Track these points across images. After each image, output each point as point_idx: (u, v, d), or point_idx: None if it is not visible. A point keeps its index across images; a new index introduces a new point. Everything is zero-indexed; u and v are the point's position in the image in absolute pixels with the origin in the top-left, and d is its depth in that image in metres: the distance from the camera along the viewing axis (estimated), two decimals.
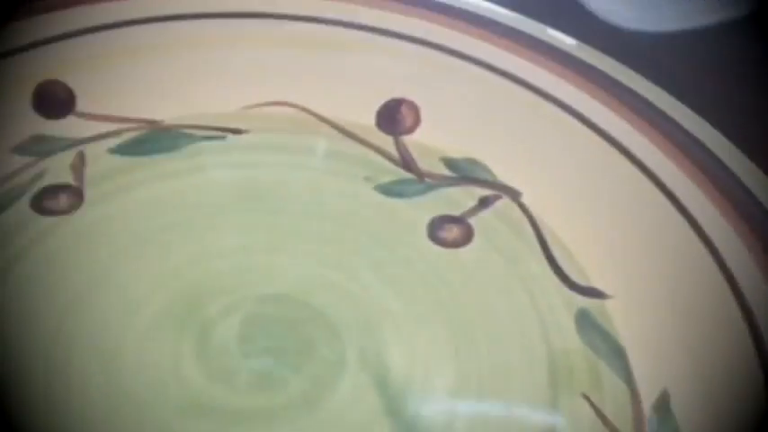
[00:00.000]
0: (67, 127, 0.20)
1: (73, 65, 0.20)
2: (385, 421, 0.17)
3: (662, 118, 0.22)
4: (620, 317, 0.19)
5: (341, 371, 0.17)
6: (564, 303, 0.19)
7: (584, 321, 0.19)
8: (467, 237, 0.20)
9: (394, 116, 0.22)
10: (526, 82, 0.22)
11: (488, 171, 0.22)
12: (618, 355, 0.19)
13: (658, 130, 0.21)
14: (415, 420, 0.17)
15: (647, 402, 0.18)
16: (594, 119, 0.22)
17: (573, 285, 0.20)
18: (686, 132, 0.21)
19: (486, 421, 0.17)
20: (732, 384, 0.18)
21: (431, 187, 0.21)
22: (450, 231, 0.20)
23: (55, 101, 0.20)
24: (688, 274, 0.20)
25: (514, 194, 0.21)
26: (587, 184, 0.21)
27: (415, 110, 0.22)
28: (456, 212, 0.21)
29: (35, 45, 0.20)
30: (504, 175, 0.22)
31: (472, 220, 0.21)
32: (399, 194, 0.21)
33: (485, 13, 0.23)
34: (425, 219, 0.20)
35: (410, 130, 0.22)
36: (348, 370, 0.17)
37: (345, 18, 0.22)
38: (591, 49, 0.23)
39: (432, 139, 0.22)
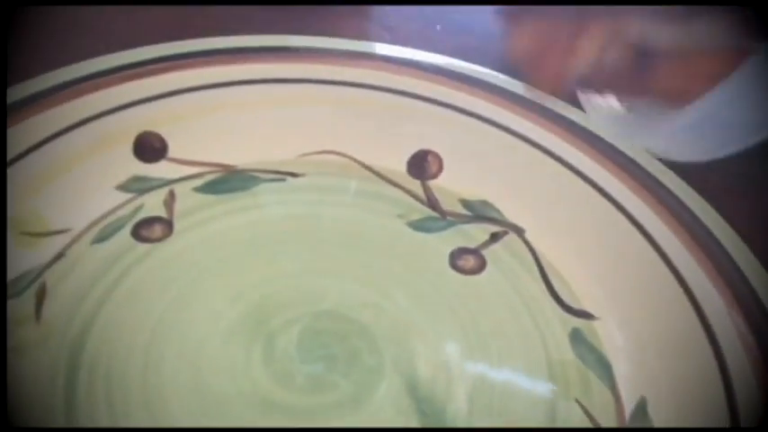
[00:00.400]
0: (161, 169, 0.21)
1: (165, 119, 0.22)
2: (415, 416, 0.18)
3: (642, 172, 0.23)
4: (605, 335, 0.20)
5: (380, 376, 0.18)
6: (560, 322, 0.20)
7: (577, 338, 0.20)
8: (481, 266, 0.21)
9: (422, 164, 0.23)
10: (530, 139, 0.23)
11: (498, 211, 0.23)
12: (604, 367, 0.20)
13: (639, 183, 0.22)
14: (439, 416, 0.18)
15: (628, 407, 0.19)
16: (584, 170, 0.23)
17: (567, 308, 0.21)
18: (661, 184, 0.22)
19: (500, 413, 0.18)
20: (698, 391, 0.19)
21: (451, 224, 0.22)
22: (468, 261, 0.21)
23: (151, 148, 0.21)
24: (662, 302, 0.21)
25: (519, 231, 0.22)
26: (578, 224, 0.22)
27: (438, 160, 0.23)
28: (472, 245, 0.22)
29: (135, 103, 0.21)
30: (510, 214, 0.23)
31: (485, 252, 0.22)
32: (426, 229, 0.22)
33: (498, 82, 0.24)
34: (447, 250, 0.22)
35: (434, 176, 0.23)
36: (385, 375, 0.18)
37: (384, 84, 0.23)
38: (579, 111, 0.24)
39: (452, 184, 0.23)
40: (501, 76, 0.25)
